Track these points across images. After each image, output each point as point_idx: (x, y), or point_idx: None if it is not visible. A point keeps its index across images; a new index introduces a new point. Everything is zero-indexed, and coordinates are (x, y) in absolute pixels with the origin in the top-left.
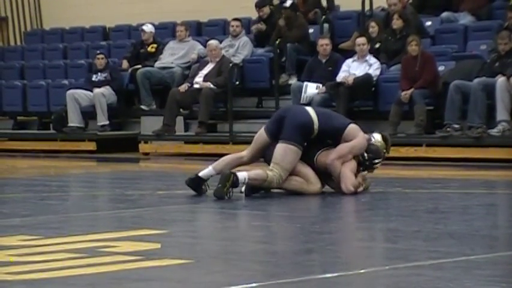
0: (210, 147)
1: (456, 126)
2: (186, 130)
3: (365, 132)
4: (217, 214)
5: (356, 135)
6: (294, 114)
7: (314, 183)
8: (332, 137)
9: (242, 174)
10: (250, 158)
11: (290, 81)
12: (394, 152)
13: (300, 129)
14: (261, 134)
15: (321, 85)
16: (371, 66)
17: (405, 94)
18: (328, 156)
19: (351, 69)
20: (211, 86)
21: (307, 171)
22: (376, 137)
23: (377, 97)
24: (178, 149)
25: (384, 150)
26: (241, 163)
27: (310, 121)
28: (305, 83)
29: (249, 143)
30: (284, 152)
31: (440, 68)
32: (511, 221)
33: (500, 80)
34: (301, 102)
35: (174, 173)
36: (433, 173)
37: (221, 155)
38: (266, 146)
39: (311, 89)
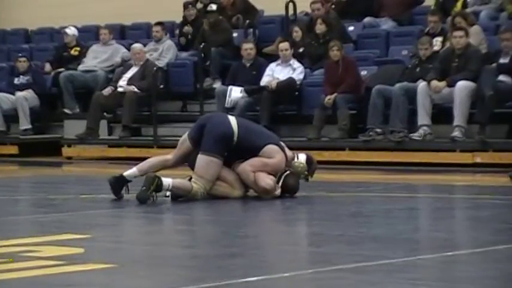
0: (134, 151)
1: (378, 130)
2: (109, 134)
3: (291, 149)
4: (142, 218)
5: (273, 156)
6: (214, 123)
7: (237, 188)
8: (249, 152)
9: (167, 180)
10: (175, 162)
11: (214, 85)
12: (317, 155)
13: (219, 139)
14: (184, 140)
15: (244, 89)
16: (295, 71)
17: (328, 99)
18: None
19: (275, 73)
20: (135, 89)
21: (231, 176)
22: (301, 158)
23: (301, 101)
24: (102, 153)
25: (306, 173)
26: (166, 166)
27: (230, 132)
28: (230, 86)
29: (173, 147)
30: (206, 164)
31: (363, 73)
32: (432, 224)
33: (421, 85)
34: (226, 106)
35: (98, 177)
36: (356, 176)
37: (145, 159)
38: (190, 152)
39: (235, 92)
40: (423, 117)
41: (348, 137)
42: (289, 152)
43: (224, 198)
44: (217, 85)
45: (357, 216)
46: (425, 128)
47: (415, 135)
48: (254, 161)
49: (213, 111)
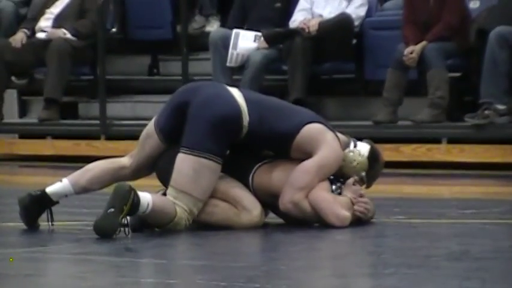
0: (65, 144)
1: (501, 107)
2: (23, 114)
3: (344, 135)
4: (76, 264)
5: (320, 143)
6: (205, 100)
7: (249, 209)
8: (274, 145)
9: (145, 197)
10: (135, 170)
11: (208, 28)
12: (391, 152)
13: (217, 128)
14: (149, 134)
15: (261, 34)
16: (350, 2)
17: (411, 52)
18: (273, 183)
19: (315, 7)
20: (68, 35)
21: (237, 191)
22: (361, 149)
23: (361, 56)
24: (10, 149)
25: (362, 174)
26: (121, 177)
27: (236, 114)
28: (235, 30)
29: (133, 138)
30: (194, 171)
31: (473, 5)
32: None
33: None
34: (228, 64)
35: (8, 192)
36: (459, 189)
37: (90, 159)
38: (159, 153)
39: (246, 40)
40: None
41: (446, 120)
42: (341, 135)
43: (225, 227)
44: (213, 27)
45: (462, 259)
46: None
47: None
48: (297, 179)
49: (203, 76)
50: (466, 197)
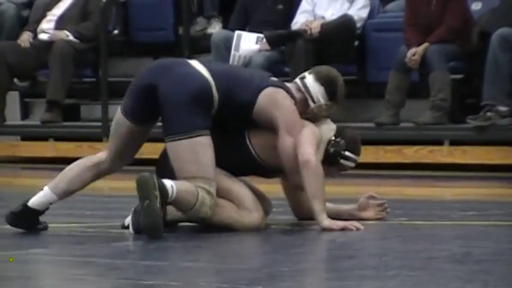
0: (67, 146)
1: (503, 109)
2: (25, 116)
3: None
4: (77, 266)
5: (277, 107)
6: (174, 82)
7: (250, 209)
8: (236, 117)
9: (166, 180)
10: (114, 160)
11: (210, 30)
12: (393, 154)
13: (193, 105)
14: (119, 122)
15: (263, 36)
16: (353, 4)
17: (413, 54)
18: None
19: (317, 9)
20: (70, 37)
21: (241, 190)
22: (318, 98)
23: (364, 58)
24: (12, 151)
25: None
26: (101, 172)
27: (207, 87)
28: (237, 32)
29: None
30: (189, 154)
31: (475, 7)
32: None
33: None
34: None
35: (10, 194)
36: (462, 191)
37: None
38: (134, 138)
39: (248, 42)
40: None
41: (448, 122)
42: (295, 92)
43: (227, 229)
44: (216, 29)
45: (464, 261)
46: None
47: None
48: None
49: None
50: (468, 199)
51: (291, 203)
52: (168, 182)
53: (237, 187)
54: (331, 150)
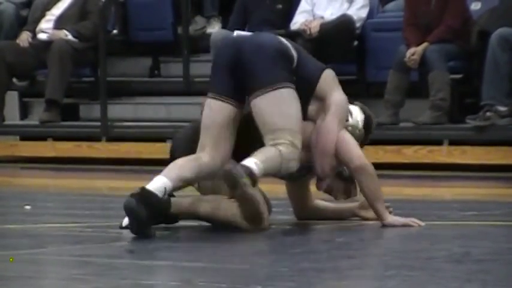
0: (66, 146)
1: (502, 109)
2: (24, 116)
3: None
4: (77, 266)
5: (331, 90)
6: (255, 41)
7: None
8: (303, 88)
9: (248, 161)
10: (212, 156)
11: (209, 29)
12: (393, 154)
13: (279, 58)
14: (213, 108)
15: None
16: (352, 4)
17: (412, 54)
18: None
19: (316, 9)
20: (69, 37)
21: None
22: (356, 116)
23: (363, 58)
24: (11, 151)
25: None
26: (202, 165)
27: (285, 44)
28: (236, 32)
29: (134, 139)
30: (277, 106)
31: (474, 7)
32: None
33: None
34: None
35: (9, 194)
36: (461, 191)
37: (91, 161)
38: (231, 124)
39: None
40: None
41: (448, 122)
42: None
43: (227, 229)
44: (215, 29)
45: (463, 261)
46: None
47: None
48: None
49: (204, 77)
50: (467, 199)
51: (293, 204)
52: (249, 162)
53: None
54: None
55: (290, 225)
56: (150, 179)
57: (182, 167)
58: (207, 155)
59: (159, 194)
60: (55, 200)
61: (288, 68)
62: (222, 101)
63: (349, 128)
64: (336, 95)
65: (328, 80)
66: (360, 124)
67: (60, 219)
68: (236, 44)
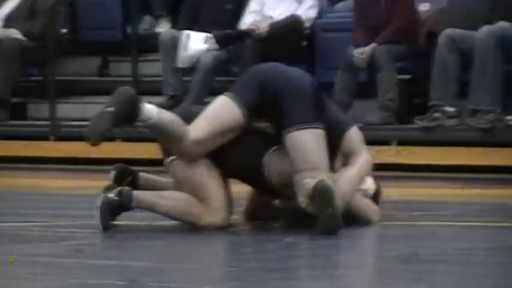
0: (14, 145)
1: (450, 109)
2: None
3: None
4: (25, 266)
5: (359, 148)
6: (293, 77)
7: (214, 207)
8: (330, 131)
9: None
10: (196, 142)
11: (159, 29)
12: None
13: (316, 97)
14: (226, 109)
15: (212, 36)
16: (301, 4)
17: (361, 53)
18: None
19: (266, 8)
20: (18, 36)
21: (213, 189)
22: (369, 184)
23: (312, 58)
24: None
25: None
26: (181, 144)
27: (320, 92)
28: (185, 32)
29: (83, 139)
30: (316, 145)
31: (423, 7)
32: None
33: None
34: (179, 65)
35: None
36: (410, 191)
37: (39, 160)
38: (232, 133)
39: (196, 42)
40: None
41: (396, 122)
42: None
43: (184, 228)
44: (164, 28)
45: (411, 261)
46: None
47: None
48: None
49: (153, 77)
50: (415, 199)
51: (249, 206)
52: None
53: (211, 184)
54: None
55: (239, 226)
56: (100, 179)
57: (171, 114)
58: (193, 134)
59: (154, 110)
60: (3, 199)
61: (322, 106)
62: (239, 107)
63: (361, 192)
64: (365, 154)
65: (357, 138)
66: (371, 192)
67: (8, 219)
68: (274, 70)
